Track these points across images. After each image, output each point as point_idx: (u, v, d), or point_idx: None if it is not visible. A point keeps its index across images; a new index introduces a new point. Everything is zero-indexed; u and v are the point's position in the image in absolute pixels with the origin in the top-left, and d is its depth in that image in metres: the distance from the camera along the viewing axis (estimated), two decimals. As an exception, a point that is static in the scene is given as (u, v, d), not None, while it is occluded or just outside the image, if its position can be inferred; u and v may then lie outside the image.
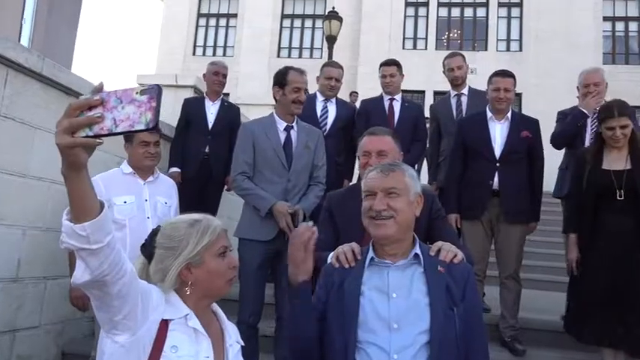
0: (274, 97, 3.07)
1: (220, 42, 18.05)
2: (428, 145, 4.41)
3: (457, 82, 4.25)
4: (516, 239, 3.42)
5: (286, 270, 2.89)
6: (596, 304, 2.78)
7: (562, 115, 4.03)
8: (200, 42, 18.07)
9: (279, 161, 2.98)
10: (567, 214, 3.23)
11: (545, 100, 12.57)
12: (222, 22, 18.15)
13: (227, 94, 12.35)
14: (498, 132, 3.51)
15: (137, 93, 0.98)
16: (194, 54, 17.88)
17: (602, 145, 2.97)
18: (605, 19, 16.02)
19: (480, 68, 15.60)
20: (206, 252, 1.42)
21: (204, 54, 17.85)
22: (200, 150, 4.08)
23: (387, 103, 4.14)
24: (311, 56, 17.00)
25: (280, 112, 3.05)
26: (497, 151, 3.47)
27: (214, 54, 17.72)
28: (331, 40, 10.12)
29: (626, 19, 16.12)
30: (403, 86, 4.28)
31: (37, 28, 4.83)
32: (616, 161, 2.91)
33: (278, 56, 17.42)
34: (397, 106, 4.13)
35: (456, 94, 4.28)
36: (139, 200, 2.74)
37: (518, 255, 3.46)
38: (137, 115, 0.97)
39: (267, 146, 2.96)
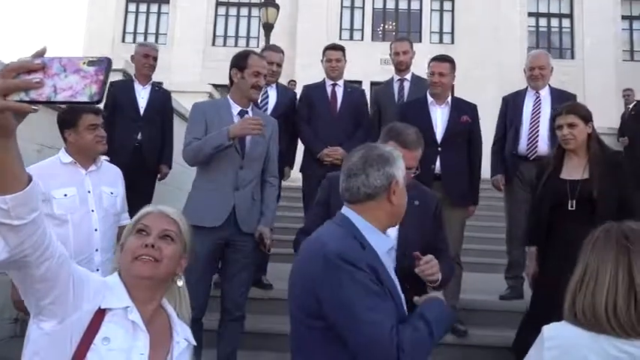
0: (230, 80, 2.94)
1: (152, 29, 17.33)
2: None
3: (401, 67, 4.25)
4: (458, 223, 3.47)
5: (238, 262, 2.84)
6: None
7: (504, 104, 4.14)
8: (130, 28, 17.27)
9: (232, 147, 2.83)
10: (526, 225, 3.13)
11: (475, 91, 13.01)
12: (154, 7, 17.41)
13: (160, 83, 11.83)
14: (439, 116, 3.54)
15: (84, 63, 0.91)
16: (124, 40, 17.06)
17: (563, 153, 2.85)
18: (530, 14, 16.85)
19: (414, 59, 15.94)
20: (131, 233, 1.41)
21: (134, 41, 17.04)
22: (132, 137, 3.83)
23: (329, 89, 4.08)
24: (247, 45, 16.66)
25: (235, 96, 2.93)
26: (439, 135, 3.50)
27: (145, 41, 17.00)
28: (268, 27, 9.94)
29: (549, 16, 17.03)
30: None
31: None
32: (575, 169, 2.78)
33: (213, 44, 16.96)
34: (340, 92, 4.08)
35: (399, 79, 4.28)
36: (81, 192, 2.49)
37: (459, 238, 3.52)
38: (81, 86, 0.90)
39: (221, 126, 2.80)
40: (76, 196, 2.48)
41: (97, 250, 2.50)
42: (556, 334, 1.43)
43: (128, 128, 3.84)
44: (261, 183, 3.01)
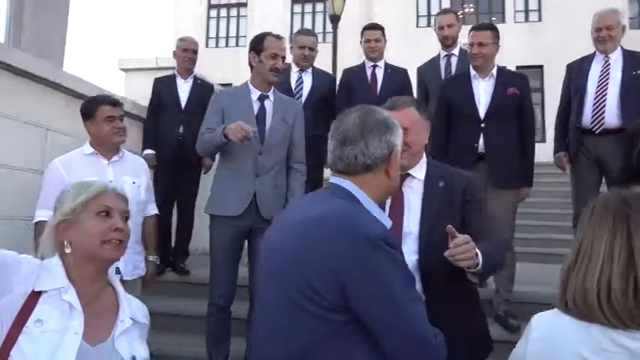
0: (250, 65, 2.91)
1: (232, 32, 17.94)
2: None
3: (447, 43, 3.96)
4: (506, 207, 3.14)
5: (261, 250, 2.76)
6: None
7: (568, 72, 3.70)
8: (212, 34, 18.00)
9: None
10: None
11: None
12: (233, 11, 18.02)
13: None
14: (482, 90, 3.24)
15: None
16: (207, 46, 17.78)
17: None
18: (631, -20, 15.19)
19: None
20: (83, 211, 1.35)
21: (217, 45, 17.80)
22: (174, 130, 3.91)
23: (369, 71, 3.90)
24: (323, 40, 16.67)
25: (255, 80, 2.89)
26: (482, 110, 3.20)
27: (227, 45, 17.68)
28: (335, 19, 9.79)
29: (654, -20, 15.23)
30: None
31: (15, 17, 4.75)
32: None
33: (290, 42, 17.20)
34: (380, 73, 3.89)
35: (445, 55, 4.00)
36: None
37: (510, 224, 3.19)
38: None
39: (238, 116, 2.76)
40: None
41: (116, 237, 2.55)
42: (544, 324, 1.20)
43: (171, 122, 3.94)
44: (287, 169, 2.93)
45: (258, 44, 2.81)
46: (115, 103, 2.63)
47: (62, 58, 5.92)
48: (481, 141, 3.16)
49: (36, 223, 2.51)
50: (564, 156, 3.54)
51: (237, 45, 17.55)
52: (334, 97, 3.90)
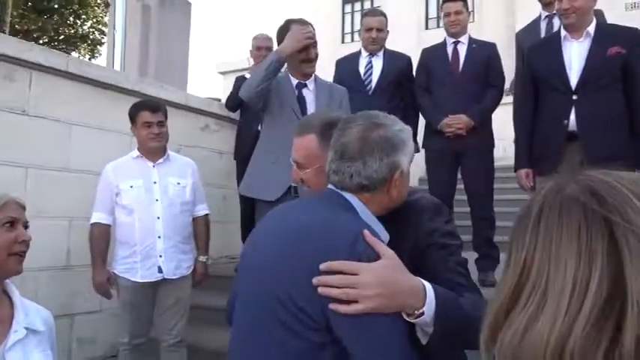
0: None
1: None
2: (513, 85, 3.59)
3: (546, 0, 3.36)
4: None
5: None
6: None
7: None
8: (347, 29, 18.15)
9: (294, 114, 2.64)
10: None
11: None
12: (367, 4, 17.94)
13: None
14: (575, 54, 2.63)
15: None
16: (343, 42, 18.01)
17: None
18: None
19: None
20: None
21: (352, 40, 17.86)
22: (252, 127, 3.92)
23: (450, 48, 3.43)
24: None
25: (292, 71, 2.77)
26: (574, 79, 2.60)
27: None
28: None
29: None
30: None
31: (141, 48, 5.25)
32: None
33: (426, 28, 16.55)
34: (463, 50, 3.38)
35: (547, 16, 3.43)
36: (147, 183, 2.66)
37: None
38: None
39: (280, 99, 2.66)
40: (142, 187, 2.64)
41: (159, 237, 2.61)
42: None
43: (248, 119, 4.00)
44: None
45: (285, 35, 2.62)
46: (154, 109, 2.68)
47: (185, 81, 6.36)
48: (572, 116, 2.57)
49: (92, 224, 2.67)
50: None
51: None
52: (410, 80, 3.52)
